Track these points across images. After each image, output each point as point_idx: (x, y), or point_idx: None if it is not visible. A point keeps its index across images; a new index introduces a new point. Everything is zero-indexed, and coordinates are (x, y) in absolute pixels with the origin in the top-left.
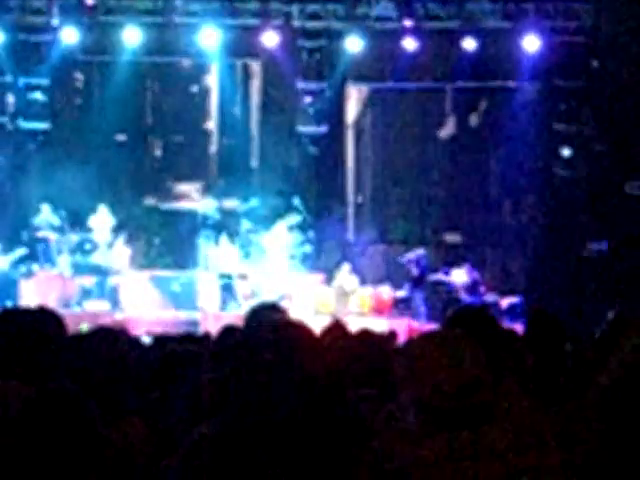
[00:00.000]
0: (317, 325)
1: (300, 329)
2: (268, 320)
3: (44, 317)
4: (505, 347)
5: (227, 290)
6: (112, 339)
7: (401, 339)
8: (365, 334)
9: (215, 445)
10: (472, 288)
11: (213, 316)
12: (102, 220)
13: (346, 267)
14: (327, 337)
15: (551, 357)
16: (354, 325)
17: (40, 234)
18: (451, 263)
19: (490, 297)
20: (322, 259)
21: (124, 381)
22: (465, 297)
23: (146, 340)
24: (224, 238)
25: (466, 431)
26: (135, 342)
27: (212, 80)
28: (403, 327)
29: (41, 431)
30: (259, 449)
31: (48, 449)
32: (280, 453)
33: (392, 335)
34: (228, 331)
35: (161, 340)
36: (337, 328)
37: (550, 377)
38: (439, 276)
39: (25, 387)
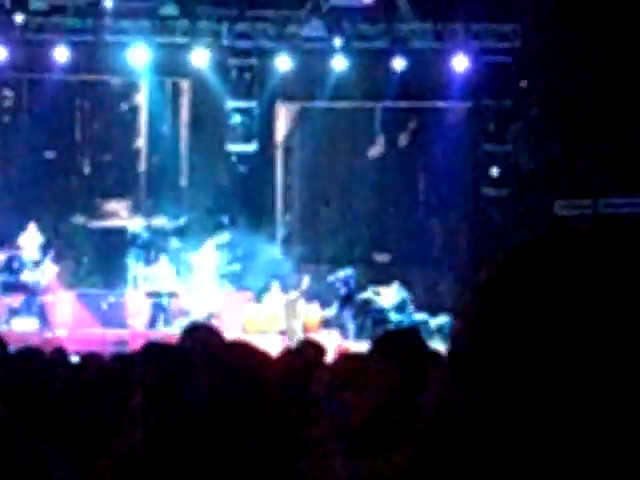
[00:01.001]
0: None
1: (236, 350)
2: (202, 341)
3: None
4: (431, 370)
5: (157, 308)
6: (39, 359)
7: (329, 358)
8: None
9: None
10: (401, 307)
11: (142, 335)
12: (31, 238)
13: (275, 285)
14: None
15: None
16: (284, 343)
17: None
18: (380, 282)
19: (419, 316)
20: (251, 277)
21: (51, 401)
22: (394, 316)
23: (75, 359)
24: (153, 256)
25: (374, 457)
26: (64, 361)
27: (141, 98)
28: (332, 345)
29: None
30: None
31: None
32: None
33: (320, 352)
34: (152, 349)
35: (89, 359)
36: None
37: None
38: (368, 294)
39: None
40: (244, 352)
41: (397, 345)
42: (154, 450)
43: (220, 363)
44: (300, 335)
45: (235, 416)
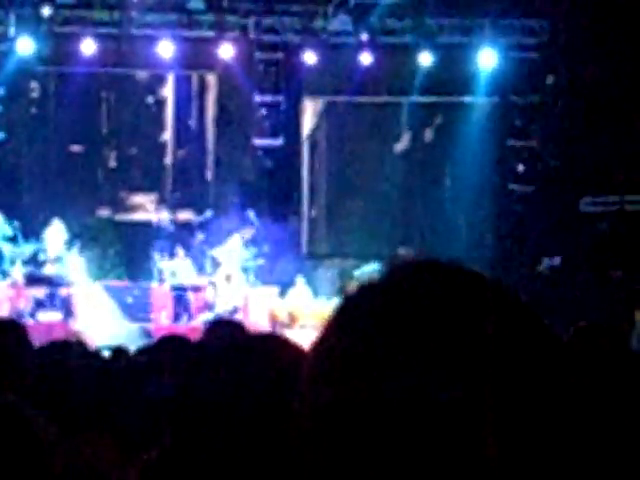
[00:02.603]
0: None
1: (268, 342)
2: (229, 336)
3: (5, 327)
4: None
5: (181, 302)
6: (67, 352)
7: None
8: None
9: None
10: None
11: (166, 328)
12: (56, 231)
13: (300, 280)
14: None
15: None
16: (310, 339)
17: None
18: None
19: None
20: (276, 272)
21: (77, 394)
22: None
23: (100, 353)
24: (178, 250)
25: None
26: (92, 354)
27: (168, 92)
28: None
29: None
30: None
31: None
32: (237, 469)
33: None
34: (170, 341)
35: (118, 352)
36: None
37: None
38: None
39: None
40: (277, 345)
41: None
42: (183, 456)
43: (249, 356)
44: None
45: (271, 412)
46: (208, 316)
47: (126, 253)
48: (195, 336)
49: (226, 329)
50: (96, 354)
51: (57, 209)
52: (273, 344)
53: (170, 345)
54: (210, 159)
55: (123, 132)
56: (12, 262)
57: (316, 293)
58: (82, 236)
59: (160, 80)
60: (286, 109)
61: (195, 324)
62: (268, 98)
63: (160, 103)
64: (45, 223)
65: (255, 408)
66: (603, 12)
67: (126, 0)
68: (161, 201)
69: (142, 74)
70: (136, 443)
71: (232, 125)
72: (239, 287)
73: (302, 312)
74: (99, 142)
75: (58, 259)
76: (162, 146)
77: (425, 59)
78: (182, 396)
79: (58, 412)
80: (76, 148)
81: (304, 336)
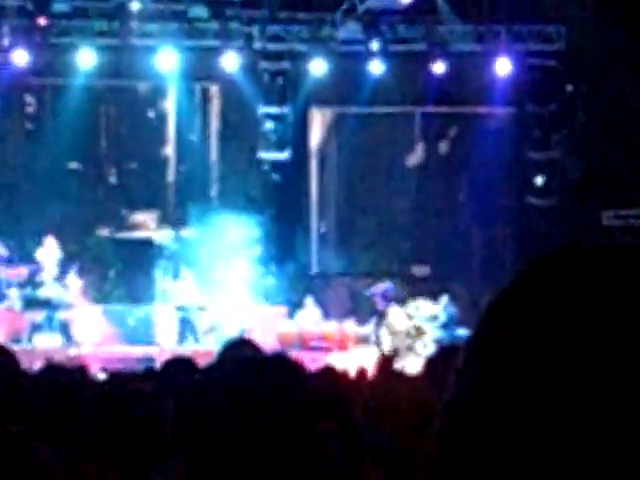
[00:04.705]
0: None
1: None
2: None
3: None
4: None
5: (185, 324)
6: (65, 377)
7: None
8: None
9: None
10: (446, 324)
11: (170, 351)
12: (48, 252)
13: (309, 300)
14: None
15: None
16: (320, 361)
17: None
18: (419, 296)
19: (461, 332)
20: (284, 292)
21: (78, 419)
22: (435, 332)
23: (101, 377)
24: (182, 269)
25: None
26: (90, 380)
27: (169, 104)
28: (370, 363)
29: None
30: None
31: None
32: None
33: (361, 373)
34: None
35: (117, 377)
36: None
37: None
38: (409, 309)
39: None
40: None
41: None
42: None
43: (257, 380)
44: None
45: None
46: (214, 338)
47: (127, 273)
48: (201, 359)
49: (240, 350)
50: (90, 379)
51: (55, 229)
52: (280, 367)
53: (175, 368)
54: (214, 174)
55: (123, 147)
56: (8, 285)
57: (326, 314)
58: (81, 257)
59: (161, 92)
60: (293, 121)
61: (201, 347)
62: (274, 109)
63: (161, 116)
64: (41, 244)
65: (267, 431)
66: (621, 17)
67: (125, 9)
68: (163, 219)
69: (142, 86)
70: (142, 466)
71: (236, 138)
72: (246, 308)
73: (313, 333)
74: (98, 158)
75: (56, 280)
76: (164, 161)
77: (438, 68)
78: (194, 422)
79: (61, 437)
80: (74, 165)
81: (315, 359)
